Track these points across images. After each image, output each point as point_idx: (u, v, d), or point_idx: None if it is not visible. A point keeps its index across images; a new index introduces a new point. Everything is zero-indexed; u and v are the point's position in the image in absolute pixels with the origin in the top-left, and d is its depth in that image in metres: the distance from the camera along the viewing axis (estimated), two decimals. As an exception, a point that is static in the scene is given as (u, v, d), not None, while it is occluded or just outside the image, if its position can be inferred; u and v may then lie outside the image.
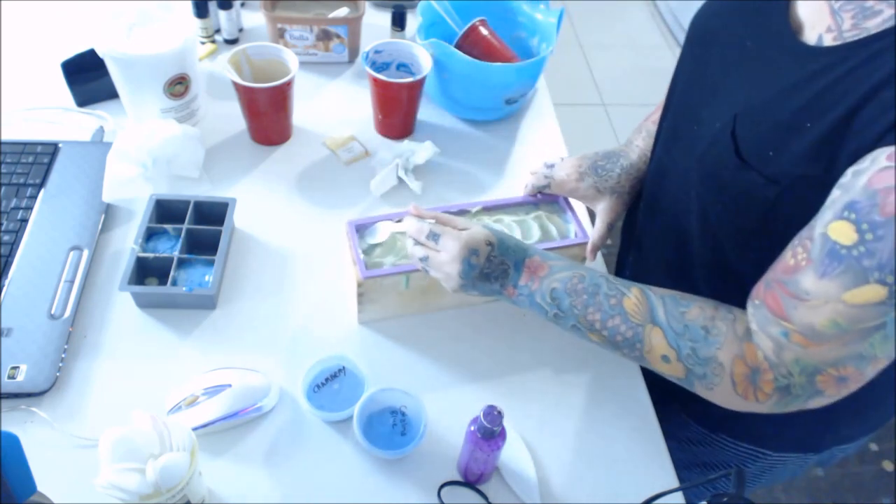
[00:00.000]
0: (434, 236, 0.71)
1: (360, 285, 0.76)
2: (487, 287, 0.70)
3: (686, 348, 0.61)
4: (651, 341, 0.63)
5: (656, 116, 0.91)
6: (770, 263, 0.63)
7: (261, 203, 0.94)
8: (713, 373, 0.60)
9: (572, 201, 0.87)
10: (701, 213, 0.69)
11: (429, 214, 0.74)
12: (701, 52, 0.72)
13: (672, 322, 0.62)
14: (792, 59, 0.59)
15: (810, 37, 0.59)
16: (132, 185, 0.89)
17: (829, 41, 0.57)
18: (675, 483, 0.73)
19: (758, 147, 0.59)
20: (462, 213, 0.84)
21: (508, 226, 0.83)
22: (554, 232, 0.83)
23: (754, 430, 0.84)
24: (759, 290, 0.60)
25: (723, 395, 0.61)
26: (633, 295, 0.65)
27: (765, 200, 0.60)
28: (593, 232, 0.84)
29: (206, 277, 0.81)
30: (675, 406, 0.88)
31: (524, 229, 0.83)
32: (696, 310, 0.62)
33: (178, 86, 0.95)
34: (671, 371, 0.63)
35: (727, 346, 0.60)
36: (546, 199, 0.87)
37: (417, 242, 0.73)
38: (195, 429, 0.69)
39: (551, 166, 0.86)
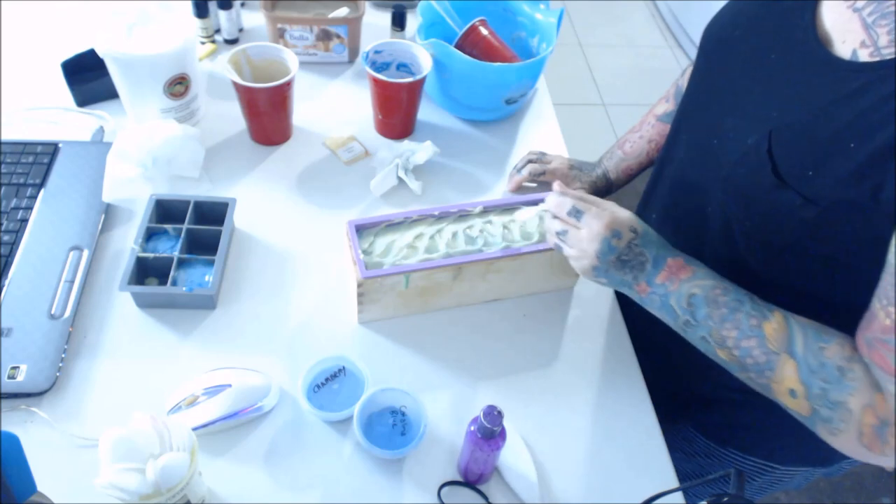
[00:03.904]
0: (577, 213, 0.69)
1: (360, 285, 0.76)
2: (619, 277, 0.68)
3: (817, 387, 0.58)
4: (783, 372, 0.60)
5: (633, 137, 0.96)
6: (799, 277, 0.63)
7: (261, 203, 0.94)
8: (840, 418, 0.57)
9: None
10: (724, 225, 0.68)
11: (573, 193, 0.71)
12: (719, 63, 0.70)
13: (808, 356, 0.59)
14: (828, 74, 0.57)
15: (841, 50, 0.58)
16: (132, 185, 0.89)
17: (865, 57, 0.56)
18: (675, 483, 0.73)
19: (797, 166, 0.57)
20: (463, 213, 0.84)
21: (508, 226, 0.83)
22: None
23: (765, 445, 0.83)
24: (863, 349, 0.57)
25: (846, 443, 0.58)
26: (775, 319, 0.61)
27: (801, 221, 0.59)
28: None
29: (206, 277, 0.81)
30: (685, 422, 0.88)
31: (524, 229, 0.83)
32: (836, 346, 0.58)
33: (178, 86, 0.95)
34: (795, 407, 0.60)
35: (860, 392, 0.56)
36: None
37: (556, 217, 0.71)
38: (195, 429, 0.69)
39: (539, 155, 0.98)
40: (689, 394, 0.85)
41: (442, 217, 0.83)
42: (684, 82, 0.91)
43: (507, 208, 0.85)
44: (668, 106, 0.94)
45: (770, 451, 0.84)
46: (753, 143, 0.61)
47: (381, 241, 0.80)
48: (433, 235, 0.81)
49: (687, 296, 0.65)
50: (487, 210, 0.84)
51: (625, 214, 0.68)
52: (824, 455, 0.83)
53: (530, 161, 0.98)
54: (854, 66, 0.56)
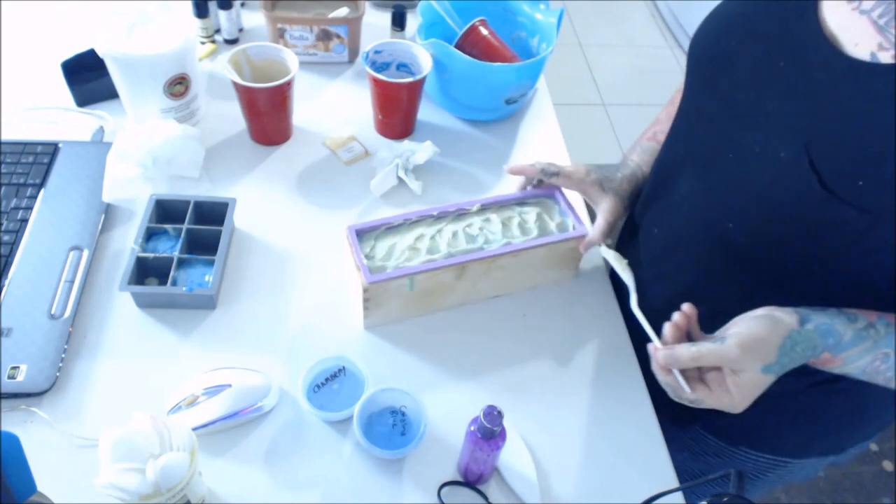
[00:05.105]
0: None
1: (365, 290, 0.76)
2: None
3: None
4: None
5: (650, 133, 0.91)
6: (821, 291, 0.62)
7: (261, 203, 0.94)
8: None
9: (568, 196, 0.87)
10: (749, 242, 0.67)
11: (686, 357, 0.60)
12: (718, 77, 0.69)
13: None
14: (858, 79, 0.56)
15: (857, 54, 0.56)
16: (132, 185, 0.89)
17: (888, 59, 0.54)
18: (675, 483, 0.73)
19: (845, 177, 0.56)
20: (461, 212, 0.84)
21: (506, 223, 0.83)
22: (552, 226, 0.84)
23: (777, 441, 0.84)
24: None
25: None
26: None
27: (852, 232, 0.57)
28: (594, 228, 0.84)
29: (206, 277, 0.81)
30: (693, 423, 0.87)
31: (523, 225, 0.83)
32: None
33: (178, 86, 0.95)
34: None
35: None
36: (542, 193, 0.87)
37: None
38: (195, 429, 0.69)
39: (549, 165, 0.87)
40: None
41: (441, 217, 0.83)
42: None
43: (505, 205, 0.85)
44: None
45: (782, 446, 0.84)
46: (789, 158, 0.59)
47: (382, 245, 0.80)
48: (433, 236, 0.81)
49: (842, 373, 0.63)
50: (485, 207, 0.85)
51: (765, 380, 0.60)
52: (836, 444, 0.84)
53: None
54: (882, 69, 0.55)
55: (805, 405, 0.77)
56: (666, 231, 0.80)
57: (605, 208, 0.84)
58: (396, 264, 0.78)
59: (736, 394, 0.59)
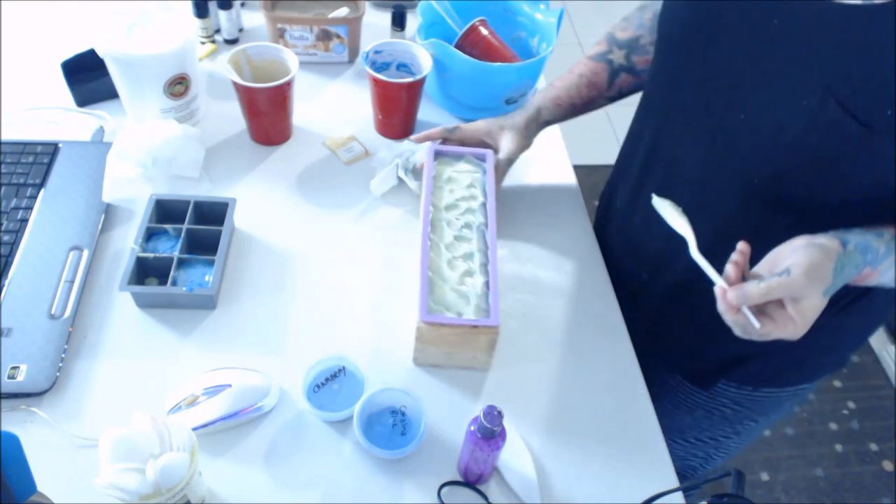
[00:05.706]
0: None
1: (494, 333, 0.74)
2: None
3: None
4: None
5: (564, 74, 0.97)
6: (863, 216, 0.65)
7: (261, 203, 0.94)
8: None
9: (449, 146, 0.92)
10: (776, 191, 0.68)
11: (756, 293, 0.61)
12: (707, 44, 0.70)
13: None
14: (857, 23, 0.58)
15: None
16: (132, 185, 0.89)
17: None
18: (675, 483, 0.73)
19: (876, 110, 0.59)
20: (431, 221, 0.82)
21: (453, 190, 0.86)
22: (467, 168, 0.89)
23: (799, 373, 0.87)
24: None
25: None
26: None
27: (887, 160, 0.61)
28: (502, 152, 0.91)
29: (206, 277, 0.81)
30: (719, 383, 0.89)
31: (460, 184, 0.87)
32: None
33: (178, 86, 0.95)
34: None
35: None
36: (430, 158, 0.89)
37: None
38: (195, 429, 0.69)
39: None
40: (718, 360, 0.87)
41: (431, 239, 0.80)
42: (616, 31, 0.95)
43: (437, 185, 0.87)
44: (599, 48, 0.95)
45: (802, 375, 0.87)
46: (814, 104, 0.61)
47: (449, 298, 0.76)
48: (455, 254, 0.80)
49: (878, 284, 0.68)
50: (435, 204, 0.85)
51: (823, 303, 0.61)
52: (843, 358, 0.88)
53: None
54: (882, 9, 0.57)
55: (825, 332, 0.78)
56: (687, 199, 0.80)
57: (505, 142, 0.92)
58: (478, 295, 0.76)
59: (799, 321, 0.60)
